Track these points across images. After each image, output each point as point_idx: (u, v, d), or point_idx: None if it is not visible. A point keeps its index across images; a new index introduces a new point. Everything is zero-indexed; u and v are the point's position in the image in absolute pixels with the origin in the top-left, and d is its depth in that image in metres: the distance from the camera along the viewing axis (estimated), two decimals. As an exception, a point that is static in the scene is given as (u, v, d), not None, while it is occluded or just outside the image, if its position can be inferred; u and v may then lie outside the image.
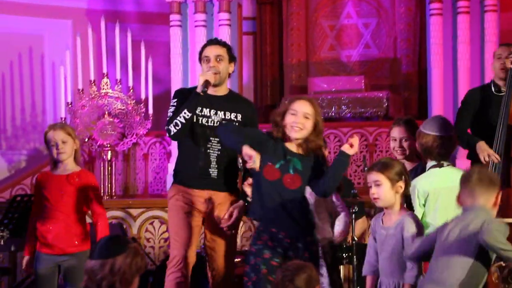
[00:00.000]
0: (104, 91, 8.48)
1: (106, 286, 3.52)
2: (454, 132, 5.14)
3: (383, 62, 9.16)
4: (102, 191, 8.17)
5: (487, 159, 5.54)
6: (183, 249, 5.20)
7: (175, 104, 5.28)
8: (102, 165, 8.42)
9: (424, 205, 4.89)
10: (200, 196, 5.25)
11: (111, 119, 8.46)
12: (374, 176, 4.55)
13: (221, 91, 5.33)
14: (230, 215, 5.17)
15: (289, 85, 9.37)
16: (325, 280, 5.40)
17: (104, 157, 8.42)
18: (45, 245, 5.40)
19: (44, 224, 5.42)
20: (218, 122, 5.24)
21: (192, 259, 5.26)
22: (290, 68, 9.40)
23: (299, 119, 4.69)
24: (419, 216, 4.81)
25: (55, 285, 5.49)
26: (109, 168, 8.37)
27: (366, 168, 5.74)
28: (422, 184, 4.90)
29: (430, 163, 5.01)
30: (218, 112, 5.27)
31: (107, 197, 8.16)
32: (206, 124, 5.24)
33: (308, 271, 4.26)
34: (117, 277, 3.51)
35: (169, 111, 5.30)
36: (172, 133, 5.18)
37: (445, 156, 5.01)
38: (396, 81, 9.06)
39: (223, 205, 5.27)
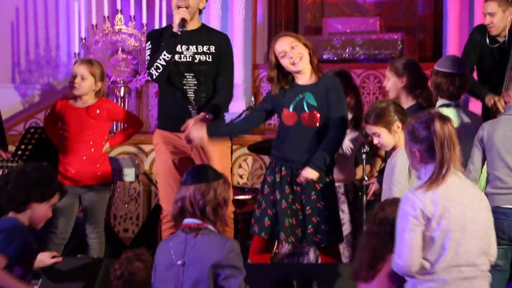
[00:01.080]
0: (118, 27, 8.47)
1: (210, 211, 3.62)
2: (467, 72, 5.10)
3: (399, 3, 9.08)
4: (114, 127, 8.24)
5: (495, 105, 5.44)
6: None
7: (150, 47, 5.25)
8: (114, 101, 8.43)
9: None
10: (182, 138, 5.14)
11: (124, 56, 8.45)
12: (371, 129, 4.58)
13: (192, 25, 5.23)
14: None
15: (304, 25, 9.32)
16: (345, 216, 5.43)
17: (117, 93, 8.43)
18: (66, 177, 5.45)
19: (65, 156, 5.47)
20: (190, 57, 5.20)
21: None
22: (305, 8, 9.34)
23: (291, 53, 4.67)
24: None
25: (73, 216, 5.56)
26: (122, 104, 8.39)
27: None
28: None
29: (439, 102, 4.99)
30: (190, 46, 5.22)
31: (120, 133, 8.20)
32: (179, 60, 5.19)
33: None
34: (220, 201, 3.64)
35: (146, 54, 5.28)
36: (154, 76, 5.15)
37: (454, 95, 4.98)
38: (411, 22, 9.00)
39: (209, 144, 5.15)
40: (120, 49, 8.48)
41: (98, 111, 5.48)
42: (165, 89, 5.30)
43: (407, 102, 5.32)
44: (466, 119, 4.95)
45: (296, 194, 4.74)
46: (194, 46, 5.23)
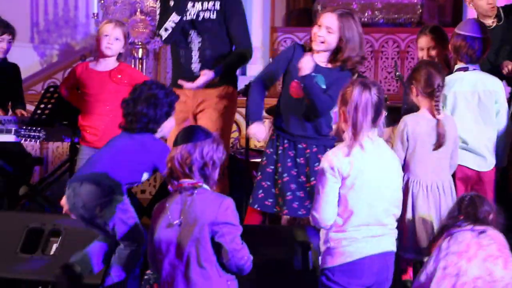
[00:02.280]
0: (136, -12, 8.45)
1: (197, 170, 3.62)
2: (487, 36, 5.04)
3: (421, -33, 9.01)
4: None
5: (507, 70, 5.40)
6: None
7: (160, 6, 5.23)
8: (132, 63, 8.44)
9: (444, 108, 4.86)
10: (188, 96, 5.16)
11: (143, 17, 8.43)
12: None
13: None
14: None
15: (323, -12, 9.25)
16: None
17: (135, 55, 8.42)
18: (87, 139, 5.47)
19: (86, 118, 5.48)
20: (195, 15, 5.18)
21: None
22: (325, -29, 9.26)
23: (321, 31, 4.61)
24: None
25: None
26: (140, 66, 8.39)
27: (397, 73, 5.73)
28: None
29: (458, 65, 4.95)
30: (196, 3, 5.19)
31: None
32: (184, 18, 5.17)
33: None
34: (207, 161, 3.62)
35: (157, 14, 5.27)
36: (163, 38, 5.16)
37: (473, 59, 4.94)
38: (432, -14, 8.94)
39: (216, 101, 5.18)
40: (138, 9, 8.46)
41: (119, 76, 5.49)
42: (172, 48, 5.32)
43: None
44: (486, 81, 4.92)
45: (300, 166, 4.72)
46: (200, 3, 5.19)
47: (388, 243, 3.78)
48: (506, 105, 4.93)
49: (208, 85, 5.12)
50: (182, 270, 3.57)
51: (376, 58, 8.04)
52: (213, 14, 5.20)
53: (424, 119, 4.59)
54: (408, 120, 4.61)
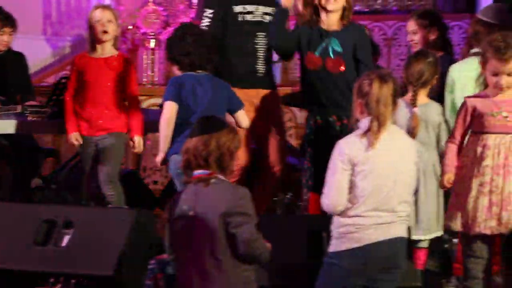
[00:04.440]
0: (148, -22, 8.43)
1: (214, 161, 3.60)
2: (509, 24, 4.96)
3: (434, -47, 8.92)
4: (145, 79, 8.24)
5: None
6: None
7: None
8: (145, 53, 8.42)
9: (452, 92, 4.83)
10: (250, 95, 5.20)
11: (155, 7, 8.42)
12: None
13: None
14: None
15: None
16: None
17: (147, 45, 8.41)
18: (86, 127, 5.48)
19: (84, 107, 5.49)
20: (261, 17, 5.21)
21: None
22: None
23: None
24: (448, 103, 4.82)
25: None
26: (152, 56, 8.38)
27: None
28: (452, 72, 4.85)
29: (474, 49, 4.89)
30: (259, 6, 5.23)
31: (149, 85, 8.22)
32: (250, 20, 5.20)
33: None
34: (224, 151, 3.61)
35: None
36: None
37: None
38: (446, -27, 8.85)
39: (268, 103, 5.25)
40: (150, 0, 8.44)
41: (115, 63, 5.48)
42: (230, 49, 5.25)
43: (437, 53, 5.27)
44: None
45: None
46: (262, 6, 5.24)
47: (399, 229, 3.79)
48: None
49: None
50: (197, 262, 3.55)
51: (389, 45, 7.98)
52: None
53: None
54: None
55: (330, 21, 4.74)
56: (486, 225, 4.12)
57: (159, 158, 4.80)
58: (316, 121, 4.81)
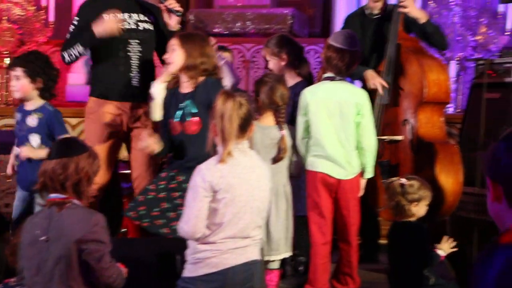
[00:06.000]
0: (2, -5, 8.23)
1: (70, 186, 3.49)
2: (358, 48, 5.12)
3: (290, -22, 9.14)
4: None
5: (374, 86, 5.50)
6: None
7: (76, 23, 5.13)
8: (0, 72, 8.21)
9: (305, 115, 4.94)
10: (120, 108, 5.11)
11: (9, 25, 8.21)
12: None
13: None
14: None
15: (195, -2, 9.27)
16: None
17: (1, 64, 8.19)
18: None
19: None
20: (135, 24, 5.14)
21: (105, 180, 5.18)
22: (196, -19, 9.28)
23: (167, 54, 4.65)
24: (300, 126, 4.91)
25: None
26: (6, 76, 8.15)
27: None
28: (307, 95, 4.95)
29: (326, 74, 5.01)
30: (132, 14, 5.16)
31: (3, 105, 8.00)
32: (123, 27, 5.08)
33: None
34: (82, 176, 3.51)
35: (70, 27, 5.16)
36: (65, 61, 5.08)
37: (342, 70, 4.98)
38: (302, -2, 9.07)
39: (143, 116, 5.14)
40: (5, 18, 8.23)
41: None
42: (103, 56, 5.15)
43: (292, 79, 5.38)
44: (346, 93, 5.00)
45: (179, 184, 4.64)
46: (136, 14, 5.16)
47: (253, 253, 3.80)
48: (371, 117, 5.01)
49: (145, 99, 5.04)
50: (46, 288, 3.45)
51: (247, 68, 8.07)
52: (150, 25, 5.19)
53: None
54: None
55: (184, 82, 4.65)
56: None
57: None
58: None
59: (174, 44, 4.63)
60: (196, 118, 4.60)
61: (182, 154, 4.66)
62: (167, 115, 4.70)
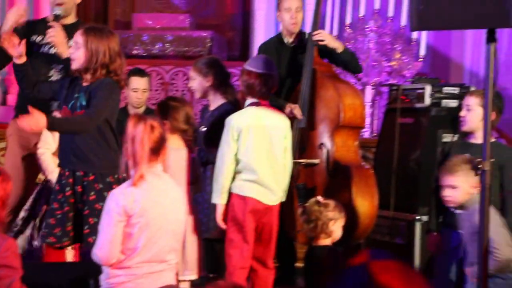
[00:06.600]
0: None
1: None
2: (275, 72, 5.17)
3: (209, 1, 9.17)
4: None
5: (291, 114, 5.48)
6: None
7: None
8: None
9: (237, 141, 4.95)
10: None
11: None
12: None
13: (68, 20, 5.27)
14: None
15: (113, 19, 9.21)
16: None
17: None
18: None
19: None
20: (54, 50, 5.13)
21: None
22: (114, 2, 9.23)
23: (71, 49, 4.61)
24: (230, 151, 4.88)
25: None
26: None
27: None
28: (236, 120, 4.96)
29: (249, 100, 5.04)
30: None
31: None
32: (49, 52, 5.13)
33: None
34: None
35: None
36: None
37: (265, 94, 5.04)
38: (221, 21, 9.10)
39: None
40: None
41: None
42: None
43: (216, 101, 5.39)
44: (273, 117, 5.04)
45: (77, 194, 4.54)
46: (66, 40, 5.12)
47: (168, 277, 3.78)
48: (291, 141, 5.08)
49: None
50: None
51: (166, 90, 8.06)
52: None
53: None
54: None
55: (83, 76, 4.59)
56: None
57: None
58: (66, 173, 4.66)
59: (78, 42, 4.52)
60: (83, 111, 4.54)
61: (67, 145, 4.57)
62: (64, 100, 4.62)
